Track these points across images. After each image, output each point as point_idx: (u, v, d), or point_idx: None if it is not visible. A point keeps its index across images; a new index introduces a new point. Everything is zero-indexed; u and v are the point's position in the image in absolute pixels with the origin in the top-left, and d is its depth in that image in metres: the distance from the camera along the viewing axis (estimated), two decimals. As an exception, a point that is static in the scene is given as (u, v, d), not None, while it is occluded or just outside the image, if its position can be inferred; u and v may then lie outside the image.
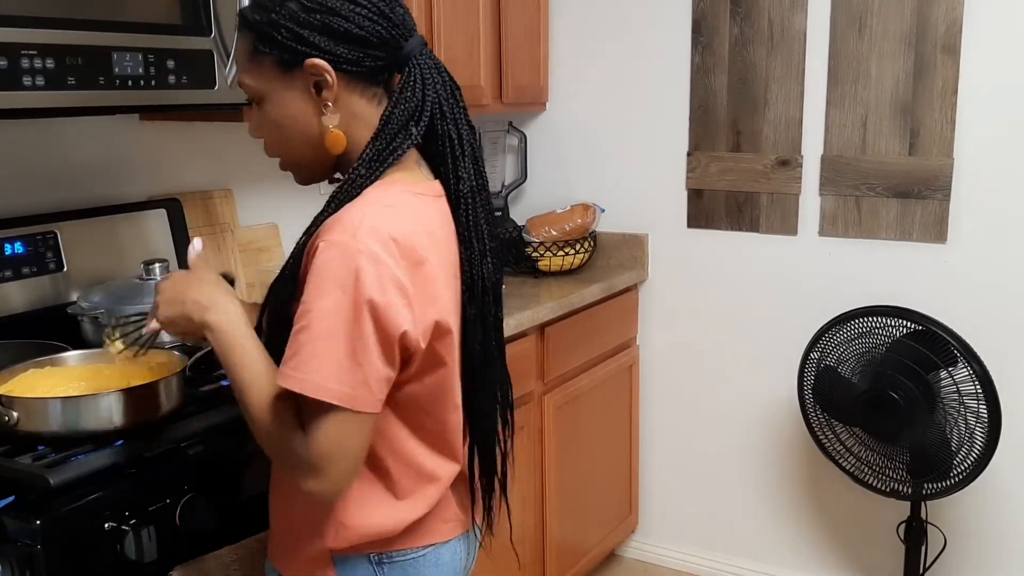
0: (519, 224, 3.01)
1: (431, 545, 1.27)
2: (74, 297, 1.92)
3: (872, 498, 2.69)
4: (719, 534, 3.06)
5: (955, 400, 2.30)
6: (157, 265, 1.91)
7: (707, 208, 2.90)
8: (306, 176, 1.27)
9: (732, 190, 2.84)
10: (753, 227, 2.83)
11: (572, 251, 2.88)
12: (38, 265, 1.89)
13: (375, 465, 1.21)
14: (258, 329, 1.23)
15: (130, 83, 1.65)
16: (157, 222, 2.14)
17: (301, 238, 1.18)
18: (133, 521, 1.36)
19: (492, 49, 2.76)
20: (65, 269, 1.94)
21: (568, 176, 3.12)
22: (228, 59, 1.80)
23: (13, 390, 1.47)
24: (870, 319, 2.43)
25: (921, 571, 2.52)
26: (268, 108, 1.20)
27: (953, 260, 2.57)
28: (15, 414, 1.39)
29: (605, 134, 3.04)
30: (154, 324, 1.26)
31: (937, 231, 2.57)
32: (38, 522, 1.27)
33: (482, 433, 1.32)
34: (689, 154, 2.90)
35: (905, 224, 2.61)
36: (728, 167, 2.83)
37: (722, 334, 2.94)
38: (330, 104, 1.17)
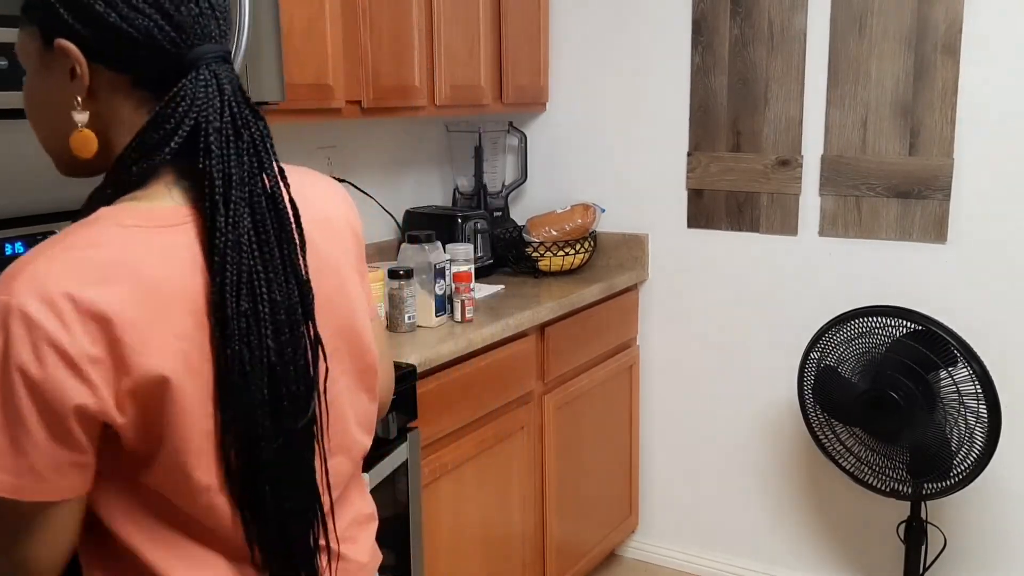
0: (519, 224, 3.01)
1: None
2: (74, 297, 1.92)
3: (872, 498, 2.69)
4: (719, 534, 3.06)
5: (955, 400, 2.30)
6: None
7: (707, 208, 2.90)
8: (62, 168, 1.07)
9: (732, 190, 2.84)
10: (753, 227, 2.84)
11: (572, 251, 2.89)
12: (38, 265, 1.89)
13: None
14: None
15: (131, 83, 1.64)
16: (157, 222, 2.14)
17: None
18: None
19: (492, 49, 2.77)
20: (65, 269, 1.94)
21: (568, 176, 3.13)
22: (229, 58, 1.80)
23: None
24: (870, 319, 2.43)
25: (921, 571, 2.52)
26: (26, 81, 1.03)
27: (953, 260, 2.57)
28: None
29: (605, 134, 3.05)
30: None
31: (937, 231, 2.58)
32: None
33: (276, 532, 0.97)
34: (689, 154, 2.90)
35: (905, 224, 2.61)
36: (728, 167, 2.84)
37: (722, 334, 2.94)
38: (79, 99, 0.96)
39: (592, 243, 2.96)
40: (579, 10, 3.00)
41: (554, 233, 2.89)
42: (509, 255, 2.92)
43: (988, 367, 2.26)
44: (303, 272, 0.97)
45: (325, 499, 1.02)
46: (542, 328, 2.54)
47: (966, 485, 2.35)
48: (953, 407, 2.31)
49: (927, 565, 2.53)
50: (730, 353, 2.94)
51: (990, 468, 2.34)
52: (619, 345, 2.97)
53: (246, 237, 0.93)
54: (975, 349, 2.28)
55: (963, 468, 2.32)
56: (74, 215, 1.06)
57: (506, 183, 3.15)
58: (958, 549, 2.66)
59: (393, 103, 2.42)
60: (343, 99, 2.24)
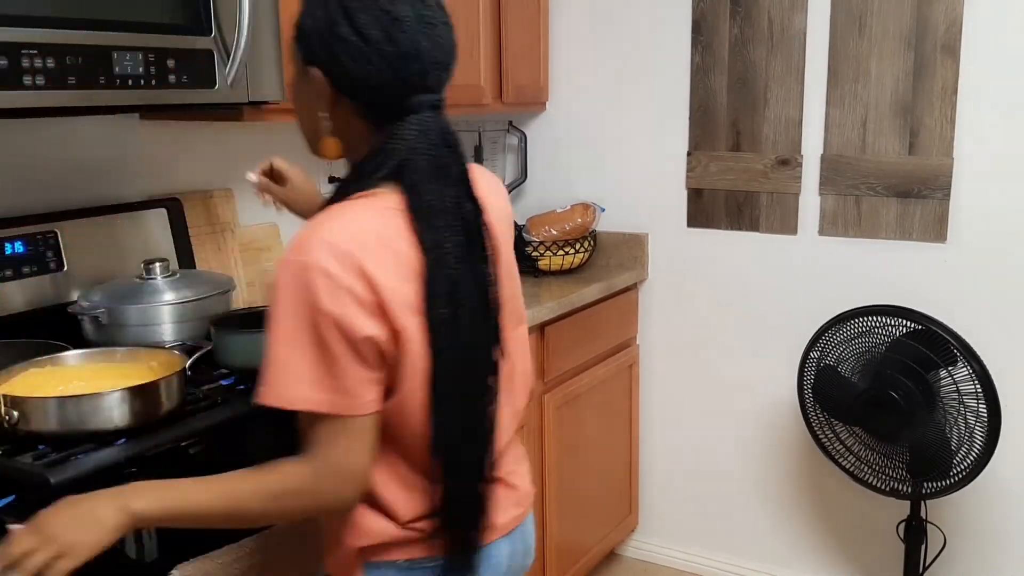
0: (519, 224, 3.01)
1: (442, 557, 1.28)
2: (74, 296, 1.92)
3: (872, 497, 2.69)
4: (719, 533, 3.06)
5: (955, 399, 2.30)
6: (157, 264, 1.91)
7: (707, 208, 2.90)
8: (310, 147, 1.32)
9: (732, 190, 2.84)
10: (753, 227, 2.84)
11: (572, 251, 2.88)
12: (38, 264, 1.89)
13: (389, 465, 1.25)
14: None
15: (130, 82, 1.65)
16: (157, 222, 2.14)
17: None
18: (133, 520, 1.36)
19: (492, 49, 2.77)
20: (65, 268, 1.94)
21: (568, 176, 3.13)
22: (228, 58, 1.80)
23: (13, 389, 1.47)
24: (870, 318, 2.43)
25: (921, 570, 2.53)
26: (292, 86, 1.29)
27: (953, 259, 2.57)
28: (15, 413, 1.39)
29: (605, 134, 3.04)
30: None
31: (937, 231, 2.58)
32: (39, 521, 1.27)
33: (453, 467, 1.24)
34: (689, 154, 2.90)
35: (905, 224, 2.61)
36: (728, 167, 2.84)
37: (722, 333, 2.94)
38: (325, 113, 1.23)
39: (592, 243, 2.96)
40: (579, 9, 3.00)
41: (554, 232, 2.89)
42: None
43: (988, 366, 2.26)
44: (494, 280, 1.26)
45: (500, 443, 1.31)
46: (542, 327, 2.54)
47: (966, 484, 2.35)
48: (953, 406, 2.30)
49: (927, 564, 2.53)
50: (730, 352, 2.94)
51: (990, 467, 2.34)
52: (619, 345, 2.97)
53: (451, 255, 1.19)
54: (975, 348, 2.28)
55: (963, 467, 2.32)
56: (73, 215, 1.47)
57: (506, 182, 3.15)
58: (958, 548, 2.66)
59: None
60: (343, 98, 2.24)
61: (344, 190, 1.23)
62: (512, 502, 1.36)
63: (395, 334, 1.16)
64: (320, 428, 1.15)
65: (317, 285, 1.11)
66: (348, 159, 1.28)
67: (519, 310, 1.41)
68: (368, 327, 1.13)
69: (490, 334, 1.26)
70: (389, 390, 1.20)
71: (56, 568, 1.11)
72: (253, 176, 1.76)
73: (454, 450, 1.23)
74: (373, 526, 1.25)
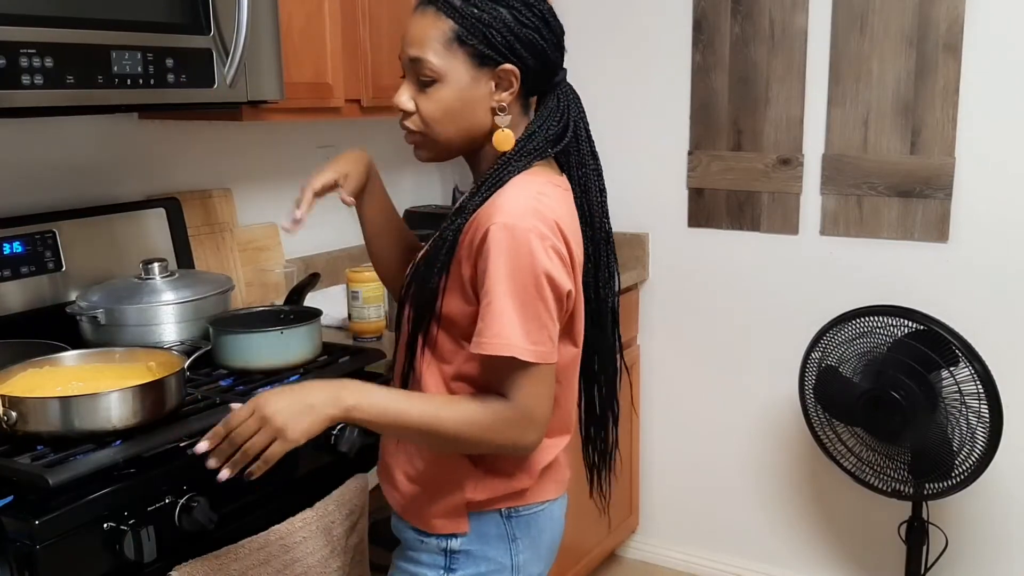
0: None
1: (547, 502, 1.44)
2: (73, 296, 1.92)
3: (873, 498, 2.69)
4: (720, 534, 3.06)
5: (956, 400, 2.29)
6: (156, 264, 1.91)
7: (708, 207, 2.90)
8: (436, 154, 1.40)
9: (733, 189, 2.84)
10: (754, 226, 2.83)
11: (572, 251, 2.88)
12: (37, 264, 1.89)
13: None
14: (401, 304, 1.41)
15: (129, 82, 1.64)
16: (156, 221, 2.14)
17: (452, 221, 1.33)
18: (132, 521, 1.36)
19: (492, 48, 2.75)
20: (64, 268, 1.93)
21: (568, 175, 3.11)
22: (227, 58, 1.80)
23: (12, 390, 1.47)
24: (871, 319, 2.42)
25: (922, 571, 2.52)
26: (442, 89, 1.31)
27: (954, 259, 2.57)
28: (14, 414, 1.38)
29: (605, 133, 3.02)
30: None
31: (939, 230, 2.57)
32: (37, 522, 1.26)
33: (599, 407, 1.51)
34: (690, 153, 2.89)
35: (906, 223, 2.61)
36: (729, 166, 2.83)
37: (723, 333, 2.94)
38: (505, 106, 1.33)
39: (592, 242, 2.95)
40: (579, 9, 2.99)
41: (554, 232, 2.88)
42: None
43: (990, 366, 2.26)
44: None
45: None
46: (542, 328, 2.53)
47: (968, 485, 2.35)
48: (955, 407, 2.30)
49: (928, 565, 2.52)
50: (731, 353, 2.93)
51: (992, 468, 2.33)
52: (619, 345, 2.96)
53: (599, 228, 1.45)
54: (977, 349, 2.28)
55: (965, 468, 2.32)
56: (71, 215, 1.59)
57: (506, 182, 3.14)
58: (959, 549, 2.65)
59: (393, 102, 2.41)
60: (342, 98, 2.24)
61: (520, 156, 1.33)
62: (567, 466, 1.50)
63: (575, 292, 1.32)
64: (522, 375, 1.25)
65: (534, 245, 1.23)
66: (485, 148, 1.38)
67: None
68: (568, 283, 1.28)
69: (611, 294, 1.47)
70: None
71: (272, 450, 1.20)
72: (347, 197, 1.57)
73: (600, 387, 1.49)
74: (504, 482, 1.36)
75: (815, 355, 2.50)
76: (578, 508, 2.77)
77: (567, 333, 1.35)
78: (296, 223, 1.53)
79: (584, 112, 1.43)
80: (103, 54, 1.60)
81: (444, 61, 1.30)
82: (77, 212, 1.99)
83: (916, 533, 2.49)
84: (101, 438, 1.42)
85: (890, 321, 2.39)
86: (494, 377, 1.27)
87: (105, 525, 1.34)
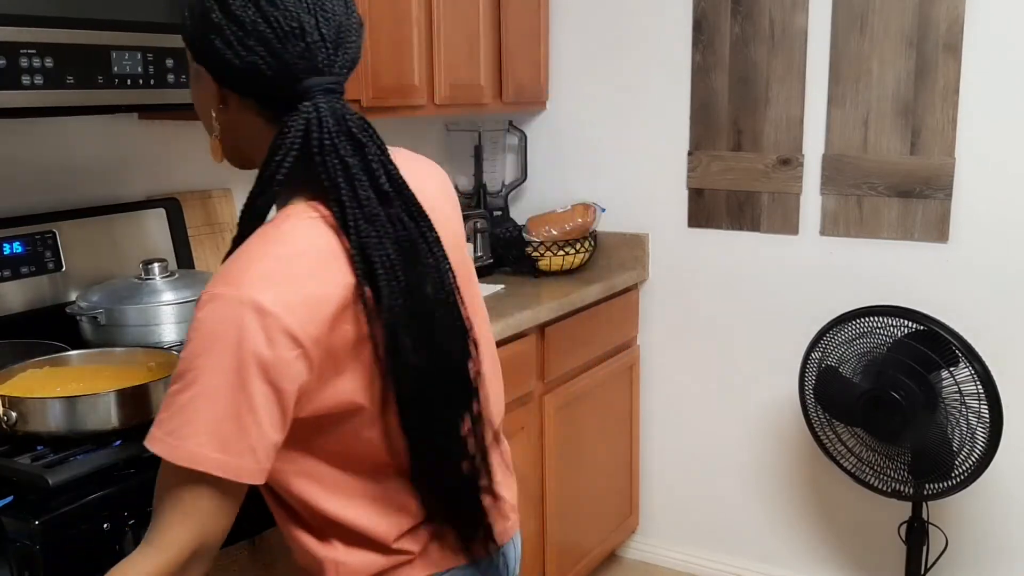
0: (519, 224, 3.01)
1: (442, 572, 1.19)
2: (73, 297, 1.91)
3: (873, 498, 2.69)
4: (720, 534, 3.06)
5: (956, 400, 2.29)
6: (156, 264, 1.91)
7: (708, 207, 2.89)
8: (225, 156, 1.19)
9: (733, 189, 2.84)
10: (754, 226, 2.83)
11: (572, 251, 2.88)
12: (37, 265, 1.89)
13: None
14: None
15: (129, 82, 1.64)
16: (156, 221, 2.14)
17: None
18: (132, 521, 1.36)
19: (492, 48, 2.76)
20: (64, 269, 1.93)
21: (568, 176, 3.12)
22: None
23: (12, 390, 1.46)
24: (871, 319, 2.42)
25: (922, 572, 2.52)
26: (191, 89, 1.18)
27: (954, 259, 2.57)
28: (14, 414, 1.38)
29: (605, 133, 3.04)
30: None
31: (939, 230, 2.57)
32: (37, 522, 1.26)
33: (435, 482, 1.14)
34: (690, 153, 2.89)
35: (906, 223, 2.61)
36: (729, 166, 2.83)
37: (723, 334, 2.93)
38: (213, 111, 1.12)
39: (592, 243, 2.95)
40: (579, 8, 2.99)
41: (554, 233, 2.88)
42: (509, 255, 2.91)
43: (990, 367, 2.26)
44: (449, 281, 1.12)
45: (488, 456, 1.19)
46: (542, 328, 2.53)
47: (968, 485, 2.35)
48: (955, 407, 2.30)
49: (928, 566, 2.52)
50: (731, 353, 2.93)
51: (992, 468, 2.33)
52: (619, 345, 2.96)
53: (391, 262, 1.05)
54: (977, 349, 2.28)
55: (965, 468, 2.32)
56: (71, 215, 1.35)
57: (506, 182, 3.14)
58: (960, 550, 2.65)
59: (393, 102, 2.41)
60: (342, 98, 2.23)
61: (249, 205, 1.10)
62: (499, 514, 1.26)
63: (345, 361, 1.04)
64: (196, 488, 0.98)
65: (248, 324, 0.97)
66: (241, 159, 1.18)
67: (480, 311, 1.27)
68: (302, 375, 1.00)
69: (456, 336, 1.12)
70: (339, 417, 1.07)
71: None
72: None
73: (434, 465, 1.12)
74: (357, 562, 1.13)
75: (815, 355, 2.50)
76: (578, 508, 2.78)
77: (344, 407, 1.06)
78: None
79: (349, 126, 1.08)
80: (103, 54, 1.60)
81: (186, 44, 1.14)
82: (77, 212, 1.99)
83: (916, 533, 2.49)
84: (101, 438, 1.41)
85: (890, 321, 2.39)
86: (161, 477, 1.02)
87: (105, 525, 1.34)
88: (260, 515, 1.40)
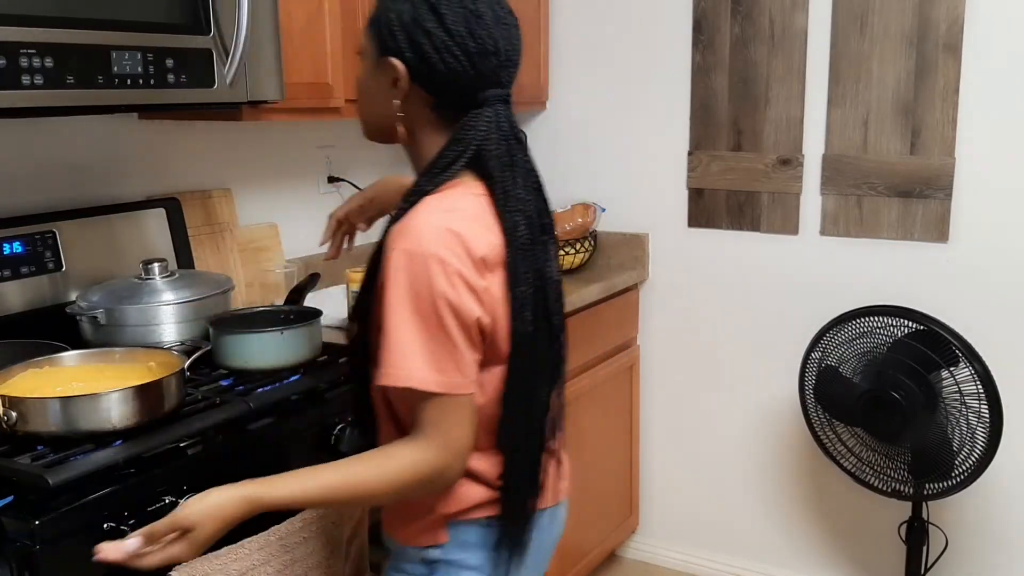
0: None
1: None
2: (73, 297, 1.91)
3: (873, 498, 2.69)
4: (720, 534, 3.06)
5: (957, 400, 2.29)
6: (156, 264, 1.91)
7: (708, 207, 2.90)
8: (367, 133, 1.40)
9: (733, 189, 2.84)
10: (754, 226, 2.83)
11: (572, 251, 2.88)
12: (37, 264, 1.89)
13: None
14: (359, 332, 1.34)
15: (129, 82, 1.64)
16: (156, 221, 2.14)
17: (377, 243, 1.30)
18: (132, 521, 1.36)
19: (492, 48, 2.76)
20: (64, 268, 1.93)
21: (568, 176, 3.12)
22: (227, 58, 1.80)
23: (12, 390, 1.46)
24: (871, 319, 2.42)
25: (922, 571, 2.52)
26: (360, 69, 1.35)
27: (954, 259, 2.57)
28: (14, 414, 1.38)
29: (605, 133, 3.04)
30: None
31: (938, 230, 2.57)
32: (37, 522, 1.26)
33: (527, 426, 1.36)
34: (690, 153, 2.89)
35: (906, 223, 2.61)
36: (729, 166, 2.83)
37: (723, 334, 2.94)
38: (398, 102, 1.30)
39: (592, 243, 2.95)
40: (579, 8, 2.99)
41: (554, 233, 2.88)
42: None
43: (990, 366, 2.26)
44: (557, 269, 1.39)
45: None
46: (542, 328, 2.53)
47: (968, 485, 2.35)
48: (955, 407, 2.30)
49: (928, 566, 2.52)
50: (731, 353, 2.93)
51: (992, 468, 2.33)
52: (619, 345, 2.96)
53: (525, 238, 1.29)
54: (977, 349, 2.28)
55: (965, 468, 2.32)
56: (71, 215, 1.60)
57: (506, 182, 3.14)
58: (960, 550, 2.65)
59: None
60: (342, 98, 2.23)
61: (428, 179, 1.29)
62: (560, 475, 1.47)
63: (493, 315, 1.25)
64: (432, 408, 1.22)
65: (434, 272, 1.19)
66: (410, 147, 1.36)
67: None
68: (477, 309, 1.22)
69: (557, 314, 1.36)
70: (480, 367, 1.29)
71: (177, 552, 1.20)
72: (329, 248, 1.79)
73: (523, 421, 1.33)
74: (469, 492, 1.33)
75: (815, 355, 2.50)
76: (578, 508, 2.77)
77: (492, 352, 1.28)
78: (330, 257, 1.75)
79: (510, 131, 1.31)
80: (103, 54, 1.60)
81: (367, 39, 1.33)
82: (77, 212, 1.99)
83: (916, 533, 2.49)
84: (101, 438, 1.41)
85: (890, 321, 2.39)
86: (405, 409, 1.26)
87: (105, 525, 1.34)
88: (266, 513, 1.40)
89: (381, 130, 1.37)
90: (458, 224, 1.23)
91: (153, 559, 1.20)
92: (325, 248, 1.81)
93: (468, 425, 1.25)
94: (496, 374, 1.30)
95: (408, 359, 1.19)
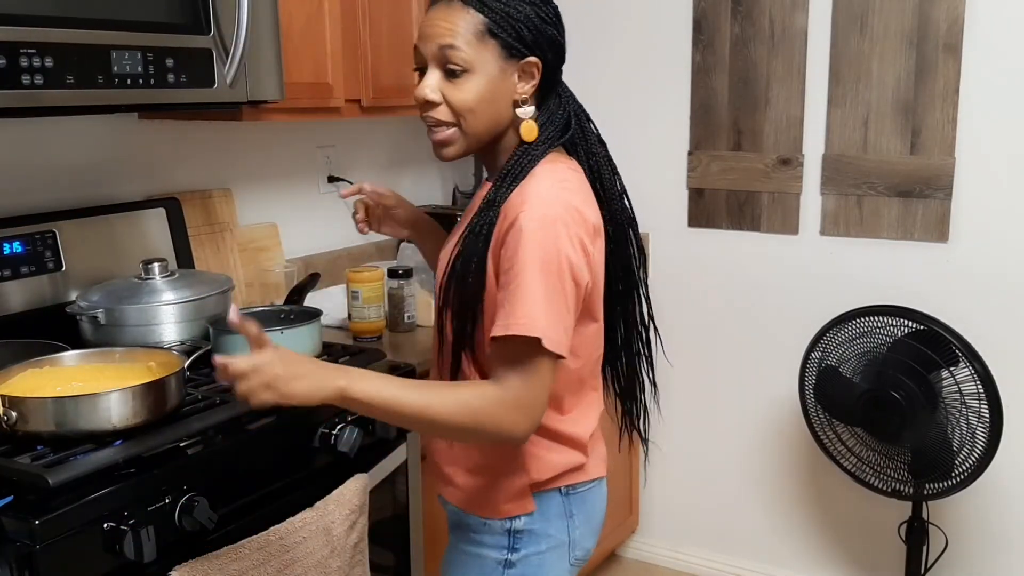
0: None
1: (598, 479, 1.53)
2: (73, 296, 1.91)
3: (873, 498, 2.69)
4: (719, 534, 3.06)
5: (956, 400, 2.29)
6: (156, 264, 1.91)
7: (708, 207, 2.90)
8: (466, 147, 1.39)
9: (733, 189, 2.84)
10: (754, 226, 2.83)
11: (572, 251, 2.87)
12: (37, 264, 1.89)
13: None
14: (441, 308, 1.39)
15: (129, 82, 1.64)
16: (156, 221, 2.14)
17: (484, 215, 1.34)
18: (132, 521, 1.36)
19: (492, 48, 2.76)
20: (64, 268, 1.93)
21: (568, 175, 3.11)
22: (227, 58, 1.80)
23: (12, 390, 1.47)
24: (871, 319, 2.42)
25: (922, 571, 2.52)
26: (470, 80, 1.33)
27: (954, 259, 2.57)
28: (14, 414, 1.38)
29: (605, 133, 3.02)
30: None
31: (938, 230, 2.57)
32: (37, 522, 1.26)
33: (624, 377, 1.63)
34: (690, 153, 2.89)
35: (906, 223, 2.61)
36: (729, 166, 2.83)
37: (723, 333, 2.93)
38: (527, 98, 1.37)
39: (592, 242, 2.95)
40: (579, 9, 2.99)
41: (554, 232, 2.88)
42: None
43: (990, 366, 2.26)
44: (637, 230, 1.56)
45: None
46: (542, 328, 2.53)
47: (968, 485, 2.35)
48: (955, 407, 2.30)
49: (928, 565, 2.52)
50: (731, 353, 2.93)
51: (992, 468, 2.33)
52: (619, 345, 2.95)
53: (618, 210, 1.47)
54: (976, 348, 2.28)
55: (965, 468, 2.32)
56: (71, 215, 1.64)
57: (506, 182, 3.13)
58: (960, 550, 2.65)
59: (393, 102, 2.41)
60: (342, 98, 2.24)
61: (528, 153, 1.36)
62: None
63: (594, 278, 1.36)
64: (536, 361, 1.25)
65: (560, 234, 1.26)
66: (500, 142, 1.40)
67: None
68: (587, 275, 1.32)
69: (633, 272, 1.54)
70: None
71: (263, 397, 1.23)
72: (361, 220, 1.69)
73: (624, 351, 1.60)
74: (554, 458, 1.41)
75: (815, 355, 2.50)
76: (578, 508, 2.77)
77: (586, 311, 1.37)
78: (361, 225, 1.69)
79: (581, 105, 1.47)
80: (103, 54, 1.60)
81: (476, 51, 1.32)
82: (77, 212, 1.99)
83: (916, 533, 2.49)
84: (101, 438, 1.41)
85: (890, 321, 2.39)
86: (506, 360, 1.27)
87: (105, 525, 1.34)
88: (270, 511, 1.40)
89: (491, 136, 1.39)
90: (570, 194, 1.32)
91: (243, 386, 1.22)
92: (324, 248, 1.82)
93: (547, 390, 1.28)
94: (587, 334, 1.40)
95: (534, 312, 1.24)
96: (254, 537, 1.52)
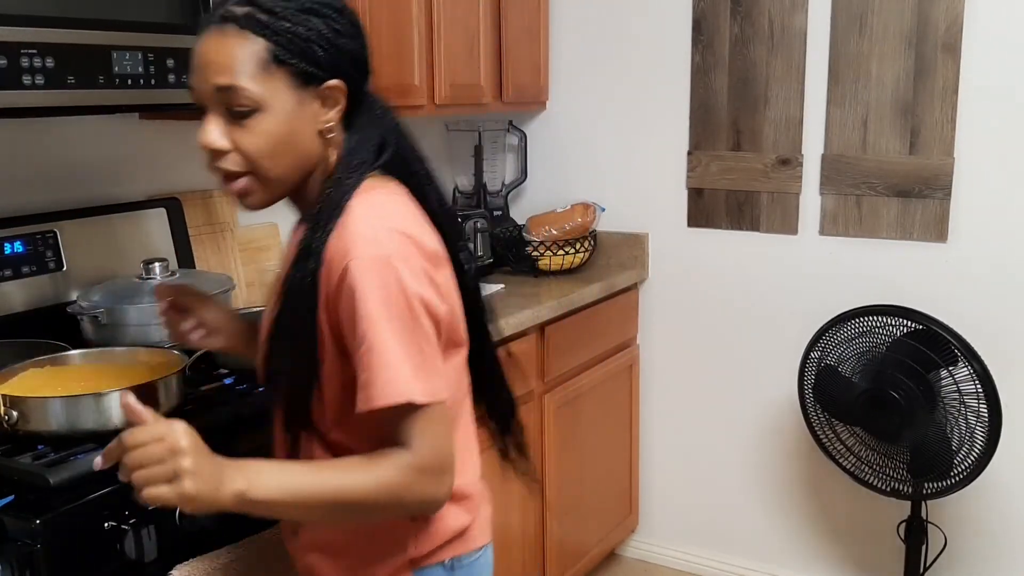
0: (519, 223, 3.01)
1: (484, 546, 1.32)
2: (74, 296, 1.92)
3: (872, 497, 2.69)
4: (719, 533, 3.06)
5: (955, 399, 2.29)
6: (157, 264, 1.91)
7: (707, 207, 2.90)
8: (270, 196, 1.19)
9: (732, 189, 2.84)
10: (754, 226, 2.83)
11: (572, 250, 2.88)
12: (38, 264, 1.89)
13: None
14: (279, 321, 1.20)
15: (130, 82, 1.64)
16: (157, 221, 2.14)
17: (301, 267, 1.15)
18: (133, 521, 1.36)
19: (492, 48, 2.76)
20: (65, 268, 1.94)
21: (568, 175, 3.12)
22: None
23: (13, 390, 1.47)
24: (870, 318, 2.42)
25: (921, 570, 2.52)
26: (265, 119, 1.13)
27: (953, 259, 2.57)
28: (15, 413, 1.39)
29: (605, 133, 3.04)
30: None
31: (938, 230, 2.57)
32: (38, 521, 1.27)
33: (498, 398, 1.39)
34: (689, 153, 2.90)
35: (906, 223, 2.61)
36: (728, 166, 2.83)
37: (722, 333, 2.94)
38: (334, 125, 1.19)
39: (592, 242, 2.95)
40: (579, 9, 3.00)
41: (554, 232, 2.89)
42: (509, 254, 2.91)
43: (989, 366, 2.26)
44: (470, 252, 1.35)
45: None
46: (542, 327, 2.54)
47: (967, 484, 2.35)
48: (954, 406, 2.30)
49: (927, 565, 2.52)
50: (730, 352, 2.93)
51: (991, 467, 2.34)
52: (619, 345, 2.96)
53: (449, 220, 1.28)
54: (975, 348, 2.28)
55: (964, 467, 2.32)
56: (72, 215, 1.56)
57: (506, 182, 3.14)
58: (958, 549, 2.65)
59: (392, 102, 2.39)
60: (342, 98, 2.23)
61: (339, 184, 1.17)
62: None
63: (450, 307, 1.20)
64: (420, 419, 1.11)
65: (400, 272, 1.10)
66: (311, 177, 1.21)
67: None
68: (441, 304, 1.16)
69: (478, 296, 1.34)
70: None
71: (162, 492, 1.02)
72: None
73: (497, 384, 1.38)
74: (444, 523, 1.24)
75: (814, 354, 2.50)
76: (578, 507, 2.78)
77: (450, 341, 1.22)
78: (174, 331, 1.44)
79: (396, 118, 1.27)
80: (104, 54, 1.60)
81: (262, 86, 1.12)
82: (78, 212, 1.99)
83: (915, 532, 2.49)
84: (102, 438, 1.41)
85: (889, 321, 2.40)
86: (389, 430, 1.11)
87: (106, 524, 1.34)
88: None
89: (301, 176, 1.20)
90: (400, 224, 1.15)
91: (144, 487, 1.02)
92: None
93: (450, 436, 1.16)
94: (454, 364, 1.24)
95: (393, 374, 1.08)
96: (254, 537, 1.52)
